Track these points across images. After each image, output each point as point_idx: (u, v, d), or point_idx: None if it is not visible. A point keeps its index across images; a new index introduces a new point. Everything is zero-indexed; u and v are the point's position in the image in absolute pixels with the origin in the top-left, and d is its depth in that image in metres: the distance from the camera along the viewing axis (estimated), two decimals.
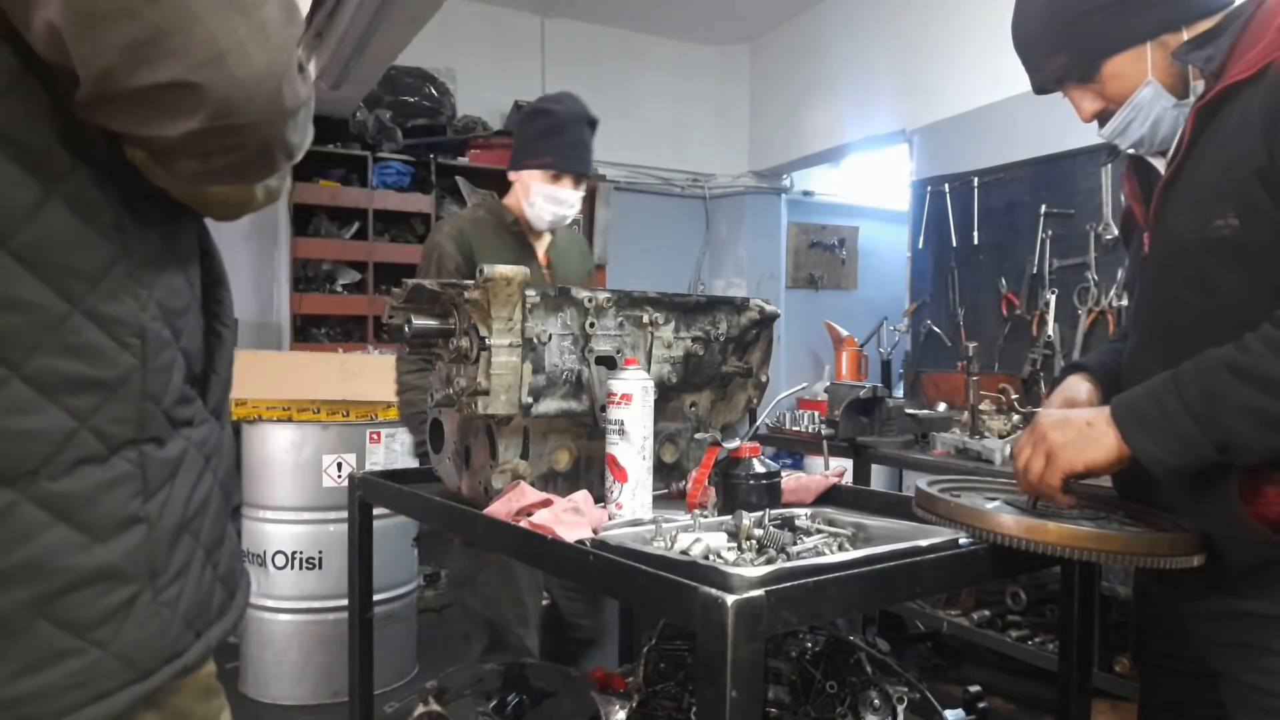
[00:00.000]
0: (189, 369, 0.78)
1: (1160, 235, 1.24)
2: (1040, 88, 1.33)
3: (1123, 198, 1.42)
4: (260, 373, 3.20)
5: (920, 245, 4.32)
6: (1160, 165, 1.27)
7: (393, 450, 3.36)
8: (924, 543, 1.14)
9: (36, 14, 0.60)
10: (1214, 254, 1.14)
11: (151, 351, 0.72)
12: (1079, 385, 1.40)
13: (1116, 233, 3.39)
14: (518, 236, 2.34)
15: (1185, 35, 1.20)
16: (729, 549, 1.19)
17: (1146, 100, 1.22)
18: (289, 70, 0.67)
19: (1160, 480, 1.14)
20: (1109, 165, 3.36)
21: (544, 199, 2.28)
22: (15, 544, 0.64)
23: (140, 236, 0.72)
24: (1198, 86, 1.19)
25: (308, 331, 4.66)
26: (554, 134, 2.27)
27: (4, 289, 0.64)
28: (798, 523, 1.33)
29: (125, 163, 0.70)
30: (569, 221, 2.36)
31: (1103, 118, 1.27)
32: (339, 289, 4.74)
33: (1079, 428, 1.15)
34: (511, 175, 2.34)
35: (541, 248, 2.39)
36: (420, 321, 1.44)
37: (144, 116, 0.64)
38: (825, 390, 3.54)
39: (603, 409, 1.40)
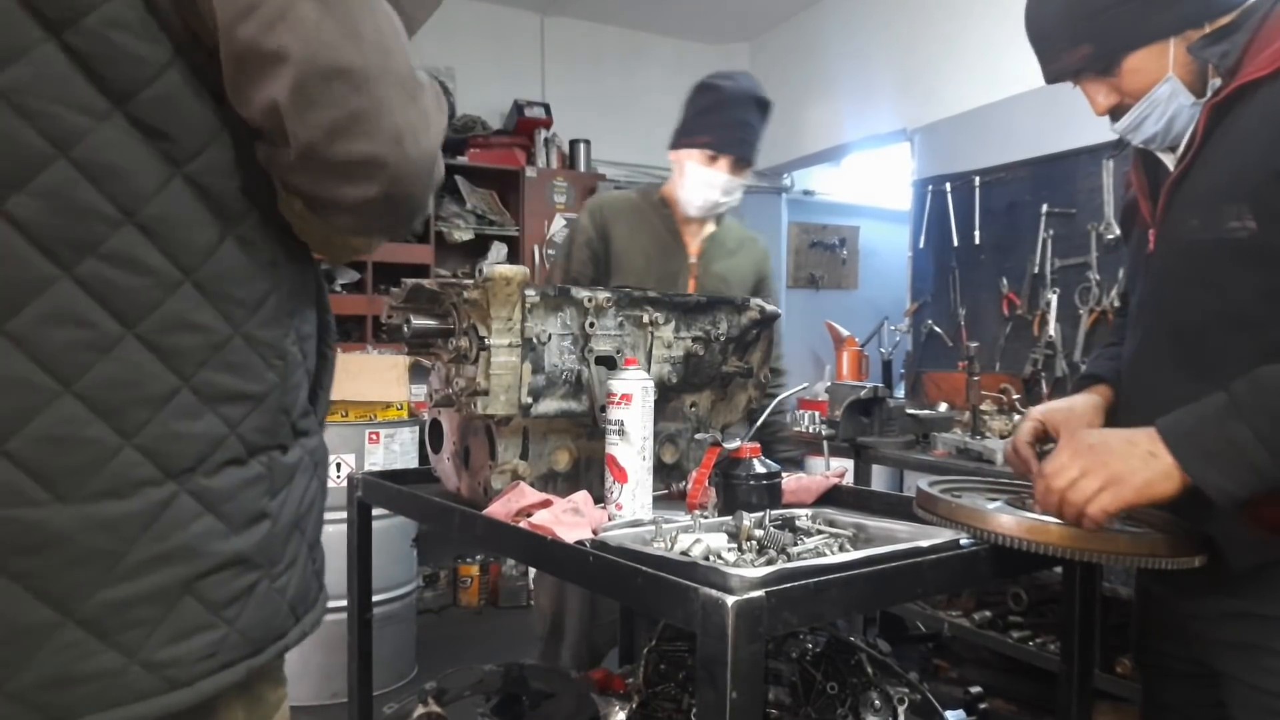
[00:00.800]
0: (310, 387, 0.91)
1: (1167, 233, 1.22)
2: (1054, 78, 1.29)
3: (1127, 190, 1.40)
4: None
5: (921, 245, 4.31)
6: (1169, 161, 1.24)
7: (392, 450, 3.35)
8: (925, 543, 1.14)
9: (262, 91, 0.74)
10: (1227, 255, 1.11)
11: (289, 371, 0.85)
12: (1085, 398, 1.36)
13: (1118, 231, 3.39)
14: (665, 221, 2.20)
15: (1207, 30, 1.17)
16: (729, 550, 1.19)
17: (1164, 97, 1.19)
18: (439, 150, 0.82)
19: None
20: (1110, 163, 3.35)
21: (695, 181, 2.12)
22: (174, 529, 0.76)
23: (289, 272, 0.85)
24: (1215, 83, 1.17)
25: None
26: (715, 111, 2.10)
27: (185, 314, 0.76)
28: (798, 523, 1.33)
29: (272, 208, 0.83)
30: (724, 210, 2.20)
31: (1116, 111, 1.25)
32: (338, 289, 4.74)
33: (1143, 457, 1.06)
34: (670, 155, 2.18)
35: (695, 238, 2.21)
36: (419, 321, 1.44)
37: (336, 181, 0.78)
38: (826, 390, 3.53)
39: (603, 409, 1.39)
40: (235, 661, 0.80)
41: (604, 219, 2.20)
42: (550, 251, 5.14)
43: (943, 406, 3.44)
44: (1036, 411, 1.37)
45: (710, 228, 2.22)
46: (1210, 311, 1.15)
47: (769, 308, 1.67)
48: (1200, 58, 1.17)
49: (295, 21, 0.72)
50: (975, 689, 1.70)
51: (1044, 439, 1.36)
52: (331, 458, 3.20)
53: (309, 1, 0.72)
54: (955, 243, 4.09)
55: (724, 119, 2.08)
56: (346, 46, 0.73)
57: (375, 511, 1.76)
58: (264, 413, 0.82)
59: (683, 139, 2.14)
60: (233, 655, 0.80)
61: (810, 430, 3.52)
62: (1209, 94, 1.17)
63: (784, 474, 1.48)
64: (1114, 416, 1.36)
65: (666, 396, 1.58)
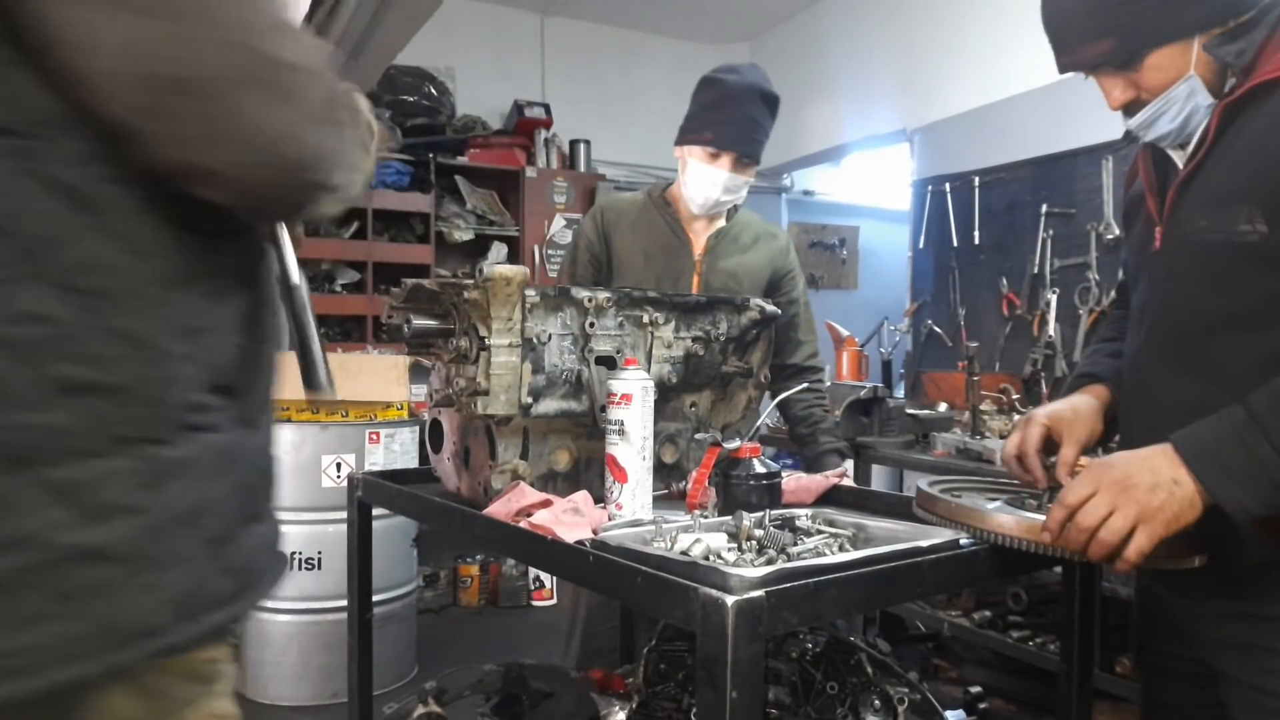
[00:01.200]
0: (211, 381, 0.87)
1: (1175, 232, 1.20)
2: (1068, 69, 1.25)
3: (1130, 183, 1.38)
4: None
5: (921, 245, 4.32)
6: (1179, 159, 1.22)
7: (392, 450, 3.35)
8: (924, 543, 1.14)
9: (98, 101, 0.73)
10: (1236, 257, 1.10)
11: (161, 363, 0.82)
12: (1086, 400, 1.35)
13: (1118, 232, 3.39)
14: (669, 219, 2.16)
15: (1230, 25, 1.14)
16: (729, 550, 1.19)
17: (1182, 95, 1.16)
18: (295, 132, 0.77)
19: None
20: (1109, 163, 3.35)
21: (697, 178, 2.08)
22: (16, 518, 0.75)
23: (167, 264, 0.82)
24: (1233, 82, 1.15)
25: None
26: (718, 107, 2.05)
27: (34, 306, 0.74)
28: (798, 523, 1.33)
29: (160, 198, 0.80)
30: (728, 208, 2.15)
31: (1131, 107, 1.21)
32: (338, 289, 4.74)
33: (1169, 487, 1.03)
34: (675, 151, 2.15)
35: (701, 235, 2.17)
36: (419, 321, 1.44)
37: (188, 184, 0.78)
38: (826, 390, 3.54)
39: (603, 409, 1.39)
40: (92, 655, 0.78)
41: (605, 222, 2.19)
42: (550, 251, 5.15)
43: (942, 406, 3.45)
44: (1040, 415, 1.34)
45: (719, 224, 2.18)
46: (1217, 314, 1.14)
47: (769, 308, 1.67)
48: (1215, 55, 1.14)
49: (114, 28, 0.70)
50: (975, 689, 1.71)
51: (1050, 447, 1.34)
52: (332, 458, 3.20)
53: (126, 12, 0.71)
54: (955, 243, 4.09)
55: (726, 115, 2.04)
56: (175, 50, 0.71)
57: (375, 511, 1.76)
58: (129, 405, 0.80)
59: (686, 135, 2.11)
60: (87, 648, 0.77)
61: None
62: (1227, 92, 1.14)
63: (783, 474, 1.48)
64: (1114, 418, 1.35)
65: (666, 396, 1.58)
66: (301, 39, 0.80)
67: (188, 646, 0.85)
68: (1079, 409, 1.34)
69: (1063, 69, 1.25)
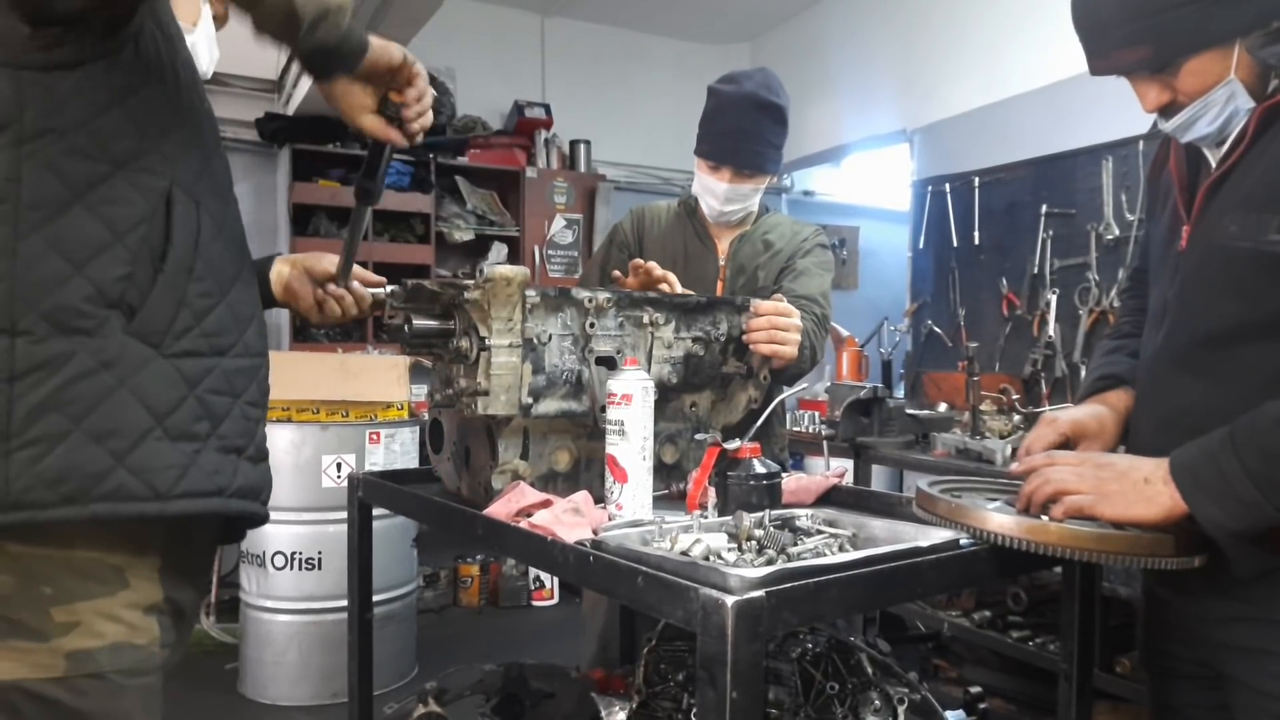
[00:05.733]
0: (86, 291, 0.93)
1: (1202, 234, 1.18)
2: (1101, 73, 1.21)
3: (1159, 169, 1.35)
4: None
5: (921, 245, 4.32)
6: (1212, 157, 1.20)
7: (392, 450, 3.35)
8: (924, 543, 1.14)
9: None
10: (1264, 266, 1.09)
11: (23, 266, 0.90)
12: (1109, 412, 1.34)
13: (1118, 232, 3.39)
14: (696, 226, 2.18)
15: (1274, 26, 1.10)
16: (729, 550, 1.19)
17: (1221, 99, 1.13)
18: None
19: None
20: (1109, 160, 3.35)
21: (701, 189, 2.11)
22: None
23: (38, 187, 0.93)
24: (1276, 84, 1.12)
25: (307, 331, 4.66)
26: (712, 119, 2.06)
27: None
28: (798, 523, 1.33)
29: (36, 134, 0.91)
30: (738, 218, 2.15)
31: (1167, 110, 1.18)
32: None
33: (1135, 481, 1.11)
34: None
35: (725, 241, 2.17)
36: (420, 321, 1.44)
37: None
38: (826, 390, 3.54)
39: (603, 409, 1.39)
40: None
41: (642, 225, 2.22)
42: (550, 252, 5.15)
43: (942, 406, 3.45)
44: (1064, 422, 1.33)
45: (744, 229, 2.18)
46: (1239, 320, 1.13)
47: (765, 307, 1.66)
48: (1257, 58, 1.11)
49: None
50: (975, 689, 1.71)
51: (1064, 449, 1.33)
52: (332, 457, 3.21)
53: None
54: (955, 243, 4.09)
55: (718, 127, 2.04)
56: None
57: (376, 511, 1.76)
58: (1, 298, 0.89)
59: (696, 146, 2.13)
60: None
61: (810, 430, 3.52)
62: (1269, 94, 1.12)
63: (783, 474, 1.48)
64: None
65: (666, 396, 1.58)
66: None
67: (73, 530, 0.93)
68: (1103, 420, 1.34)
69: (1095, 72, 1.22)
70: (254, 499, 1.09)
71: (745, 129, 2.02)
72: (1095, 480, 1.12)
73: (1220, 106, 1.14)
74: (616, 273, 1.96)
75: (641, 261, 1.88)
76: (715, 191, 2.08)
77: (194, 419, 1.00)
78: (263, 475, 1.12)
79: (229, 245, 1.09)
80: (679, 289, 1.84)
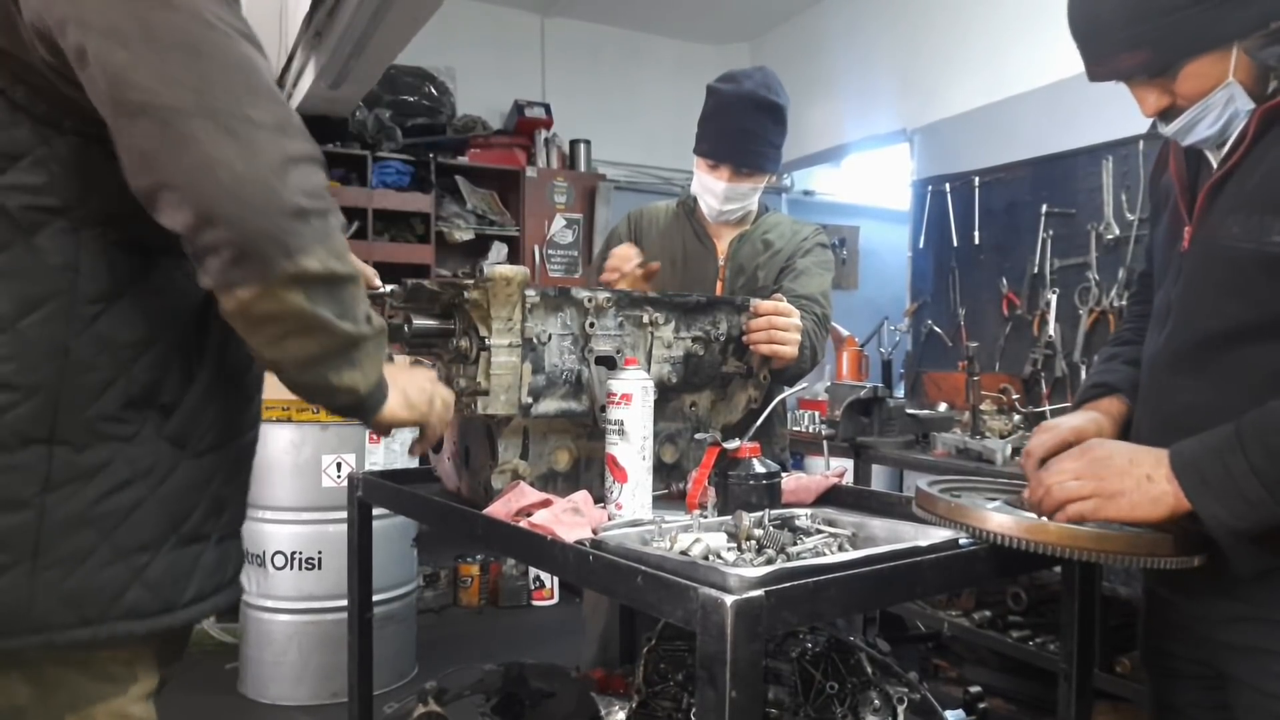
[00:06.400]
0: (130, 394, 0.91)
1: (1204, 235, 1.18)
2: (1100, 79, 1.21)
3: (1161, 171, 1.35)
4: None
5: (921, 245, 4.32)
6: (1213, 159, 1.20)
7: (392, 450, 3.35)
8: (924, 543, 1.14)
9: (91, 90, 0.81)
10: (1266, 267, 1.09)
11: (74, 370, 0.87)
12: (1105, 420, 1.34)
13: (1118, 232, 3.39)
14: (695, 226, 2.18)
15: (1272, 27, 1.10)
16: (729, 549, 1.19)
17: (1221, 101, 1.13)
18: (278, 176, 0.83)
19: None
20: (1109, 160, 3.35)
21: (700, 188, 2.11)
22: None
23: (93, 277, 0.88)
24: (1275, 85, 1.12)
25: None
26: (711, 118, 2.07)
27: None
28: (798, 523, 1.33)
29: (99, 220, 0.89)
30: (737, 217, 2.15)
31: (1167, 114, 1.18)
32: None
33: (1139, 479, 1.09)
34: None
35: (724, 241, 2.17)
36: (420, 321, 1.44)
37: (153, 210, 0.83)
38: (826, 390, 3.54)
39: (602, 409, 1.40)
40: None
41: (639, 227, 2.22)
42: (551, 251, 5.15)
43: (942, 406, 3.45)
44: (1065, 429, 1.33)
45: (744, 228, 2.18)
46: (1241, 321, 1.13)
47: (765, 307, 1.66)
48: (1256, 59, 1.11)
49: (105, 62, 0.79)
50: (975, 689, 1.71)
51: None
52: (332, 457, 3.20)
53: (120, 48, 0.79)
54: (955, 243, 4.09)
55: (717, 126, 2.05)
56: (154, 86, 0.79)
57: (375, 511, 1.76)
58: (35, 405, 0.85)
59: (695, 145, 2.13)
60: None
61: (810, 430, 3.52)
62: (1269, 95, 1.12)
63: (783, 474, 1.48)
64: (1129, 431, 1.34)
65: (666, 396, 1.58)
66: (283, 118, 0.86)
67: (89, 646, 0.90)
68: (1102, 428, 1.33)
69: (1094, 78, 1.22)
70: (238, 578, 1.09)
71: (744, 128, 2.02)
72: (1097, 483, 1.12)
73: (1220, 109, 1.14)
74: (605, 277, 1.96)
75: (618, 267, 1.91)
76: (714, 191, 2.08)
77: (205, 518, 1.00)
78: (241, 546, 1.11)
79: None
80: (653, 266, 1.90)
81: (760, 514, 1.28)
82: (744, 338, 1.65)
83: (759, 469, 1.39)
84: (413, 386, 1.14)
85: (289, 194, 0.84)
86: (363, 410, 1.05)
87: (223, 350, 1.00)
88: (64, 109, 0.86)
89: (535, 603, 4.45)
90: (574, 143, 5.33)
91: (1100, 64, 1.19)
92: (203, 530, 0.99)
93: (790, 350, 1.65)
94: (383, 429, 1.12)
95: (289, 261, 0.85)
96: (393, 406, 1.08)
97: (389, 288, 1.51)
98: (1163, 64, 1.14)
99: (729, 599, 0.89)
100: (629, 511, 1.34)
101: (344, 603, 1.83)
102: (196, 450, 0.98)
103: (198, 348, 0.97)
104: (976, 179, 4.00)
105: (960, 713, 1.60)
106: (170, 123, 0.79)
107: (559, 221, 5.14)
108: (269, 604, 3.24)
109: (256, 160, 0.82)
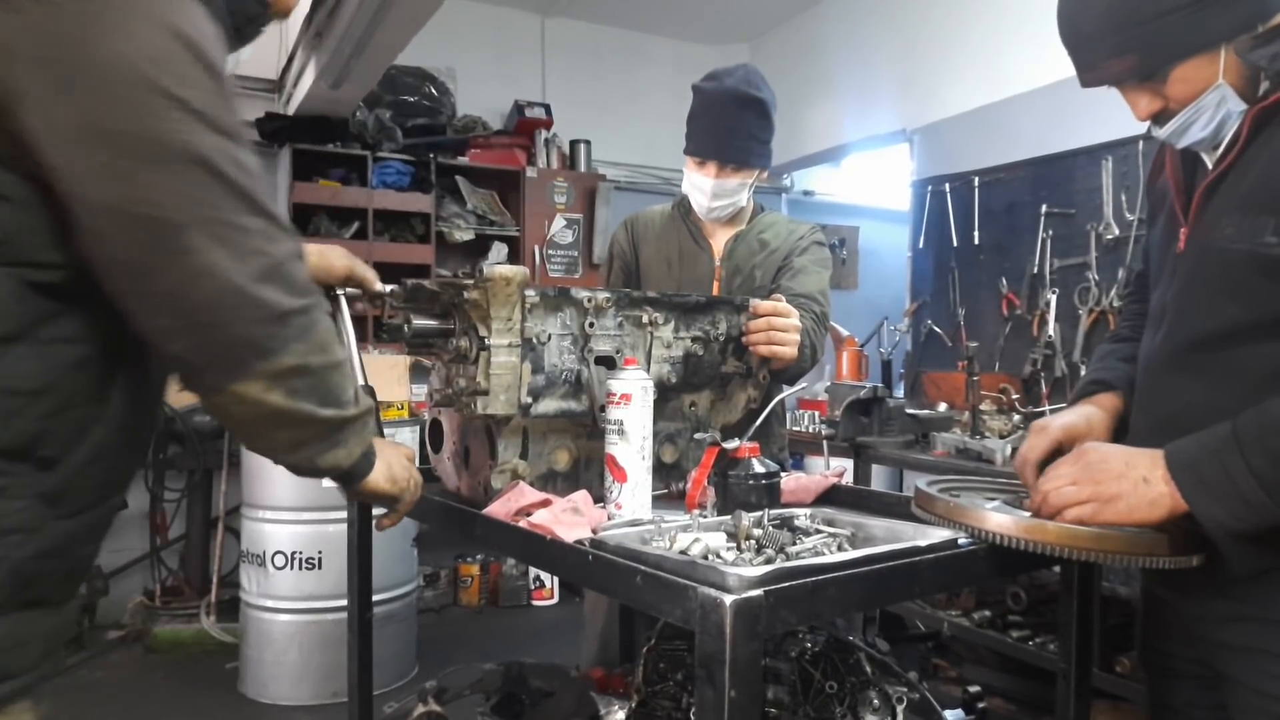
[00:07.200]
0: (6, 443, 0.84)
1: (1199, 236, 1.19)
2: (1091, 84, 1.22)
3: (1157, 174, 1.36)
4: None
5: (921, 245, 4.32)
6: (1208, 160, 1.20)
7: None
8: (923, 543, 1.14)
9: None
10: (1260, 268, 1.09)
11: None
12: (1098, 412, 1.35)
13: (1118, 232, 3.39)
14: (690, 227, 2.19)
15: (1259, 30, 1.10)
16: (728, 549, 1.19)
17: (1212, 103, 1.13)
18: (263, 282, 0.85)
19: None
20: (1109, 160, 3.35)
21: (689, 185, 2.12)
22: None
23: None
24: (1266, 87, 1.12)
25: None
26: (698, 116, 2.08)
27: None
28: (797, 523, 1.33)
29: (19, 260, 0.83)
30: (728, 214, 2.15)
31: (1160, 117, 1.19)
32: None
33: (1135, 482, 1.10)
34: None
35: (720, 241, 2.18)
36: (420, 321, 1.44)
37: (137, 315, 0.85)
38: (826, 390, 3.54)
39: (602, 409, 1.40)
40: None
41: (635, 233, 2.23)
42: (550, 252, 5.15)
43: (942, 406, 3.45)
44: (1055, 429, 1.33)
45: (739, 227, 2.18)
46: (1237, 321, 1.13)
47: (764, 307, 1.66)
48: (1248, 60, 1.11)
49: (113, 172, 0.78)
50: (974, 688, 1.71)
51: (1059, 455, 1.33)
52: None
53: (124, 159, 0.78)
54: (955, 243, 4.10)
55: (702, 123, 2.07)
56: (151, 197, 0.79)
57: (375, 511, 1.76)
58: None
59: (685, 144, 2.14)
60: None
61: (810, 430, 3.52)
62: (1260, 97, 1.13)
63: (782, 473, 1.49)
64: (1124, 426, 1.34)
65: (666, 396, 1.58)
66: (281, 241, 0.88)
67: None
68: (1093, 421, 1.34)
69: (1085, 84, 1.22)
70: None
71: (728, 124, 2.04)
72: (1094, 488, 1.12)
73: (1212, 111, 1.14)
74: None
75: None
76: (703, 188, 2.09)
77: (64, 587, 0.93)
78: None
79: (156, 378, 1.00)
80: None
81: (759, 514, 1.28)
82: (743, 339, 1.65)
83: (758, 469, 1.40)
84: (397, 463, 1.19)
85: (272, 299, 0.86)
86: (348, 479, 1.10)
87: (126, 408, 0.93)
88: (11, 148, 0.80)
89: (535, 602, 4.46)
90: (574, 143, 5.33)
91: (1090, 70, 1.20)
92: (52, 596, 0.91)
93: (790, 351, 1.66)
94: (359, 496, 1.17)
95: (264, 364, 0.87)
96: (376, 477, 1.13)
97: (389, 288, 1.52)
98: (1151, 68, 1.14)
99: (728, 598, 0.89)
100: (628, 511, 1.34)
101: (344, 602, 1.83)
102: (71, 510, 0.90)
103: (97, 400, 0.90)
104: (976, 179, 4.01)
105: (960, 712, 1.61)
106: (163, 233, 0.79)
107: (559, 222, 5.14)
108: (269, 604, 3.25)
109: (245, 268, 0.83)
